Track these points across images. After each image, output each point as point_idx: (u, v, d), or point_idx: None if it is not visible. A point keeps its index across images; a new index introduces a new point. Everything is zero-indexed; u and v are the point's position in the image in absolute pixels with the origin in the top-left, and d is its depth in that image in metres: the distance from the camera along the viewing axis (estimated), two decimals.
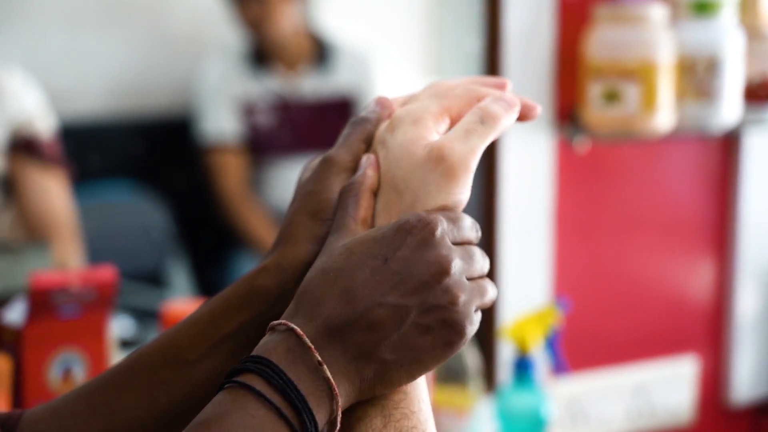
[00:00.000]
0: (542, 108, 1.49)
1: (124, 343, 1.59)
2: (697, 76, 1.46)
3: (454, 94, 0.73)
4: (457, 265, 0.64)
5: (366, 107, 0.76)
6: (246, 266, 2.63)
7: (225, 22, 2.73)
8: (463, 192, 0.69)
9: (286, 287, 0.70)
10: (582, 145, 1.54)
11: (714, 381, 1.76)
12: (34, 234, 1.90)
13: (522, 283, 1.55)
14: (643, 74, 1.41)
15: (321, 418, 0.61)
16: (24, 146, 1.87)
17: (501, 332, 1.45)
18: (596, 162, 1.58)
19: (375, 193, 0.71)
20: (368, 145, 0.74)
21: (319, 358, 0.61)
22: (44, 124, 1.90)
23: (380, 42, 2.92)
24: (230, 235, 2.68)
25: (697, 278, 1.72)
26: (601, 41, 1.43)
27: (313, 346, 0.61)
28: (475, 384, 1.46)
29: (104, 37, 2.79)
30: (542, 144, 1.52)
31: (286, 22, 2.64)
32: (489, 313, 1.54)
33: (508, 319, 1.52)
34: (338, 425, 0.61)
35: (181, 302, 1.39)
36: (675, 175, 1.67)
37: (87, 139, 2.66)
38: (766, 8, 1.55)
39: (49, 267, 1.61)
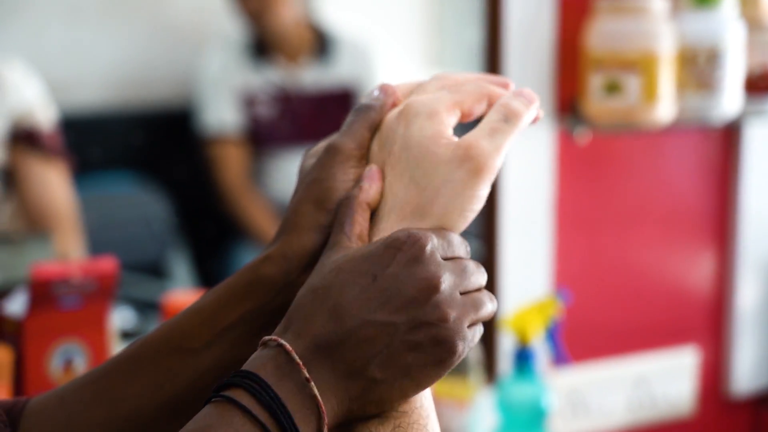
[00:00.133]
0: (543, 100, 1.50)
1: (125, 335, 1.59)
2: (698, 68, 1.45)
3: (465, 89, 0.72)
4: (447, 281, 0.64)
5: (369, 94, 0.76)
6: (247, 257, 2.63)
7: (226, 13, 2.73)
8: (487, 189, 0.68)
9: (291, 276, 0.70)
10: (583, 136, 1.54)
11: (714, 372, 1.76)
12: (35, 225, 1.90)
13: (522, 274, 1.55)
14: (643, 66, 1.41)
15: None
16: (25, 138, 1.87)
17: (501, 323, 1.46)
18: (597, 153, 1.58)
19: (372, 209, 0.71)
20: (373, 132, 0.74)
21: (307, 375, 0.60)
22: (45, 116, 1.90)
23: (381, 34, 2.92)
24: (231, 227, 2.69)
25: (697, 269, 1.72)
26: (602, 32, 1.43)
27: (301, 363, 0.61)
28: (476, 375, 1.47)
29: (105, 28, 2.79)
30: (543, 135, 1.52)
31: (286, 14, 2.64)
32: None
33: (508, 310, 1.52)
34: None
35: (182, 293, 1.39)
36: (676, 167, 1.67)
37: (88, 131, 2.66)
38: (767, 0, 1.55)
39: (50, 258, 1.61)
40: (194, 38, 2.86)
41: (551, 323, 1.44)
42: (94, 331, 1.23)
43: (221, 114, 2.65)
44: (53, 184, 1.91)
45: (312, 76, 2.70)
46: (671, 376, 1.70)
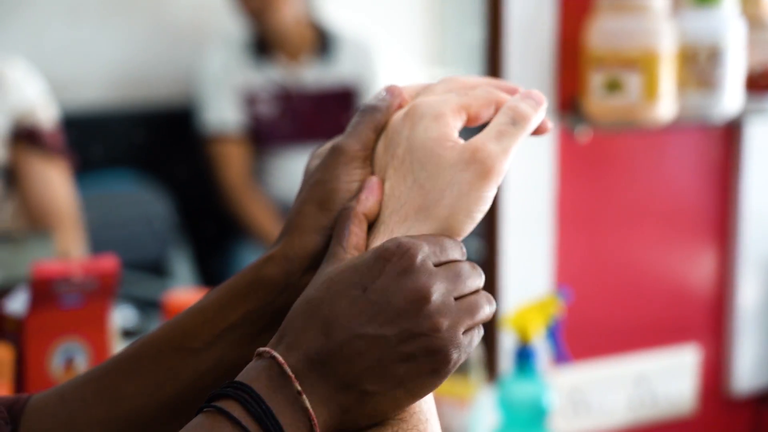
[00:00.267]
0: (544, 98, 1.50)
1: (126, 333, 1.59)
2: (699, 66, 1.45)
3: (474, 93, 0.72)
4: (439, 290, 0.63)
5: (376, 95, 0.75)
6: (248, 256, 2.63)
7: (227, 12, 2.73)
8: (493, 191, 0.68)
9: (292, 277, 0.70)
10: (583, 134, 1.54)
11: (715, 371, 1.76)
12: (36, 224, 1.90)
13: (523, 272, 1.55)
14: (644, 64, 1.41)
15: None
16: (26, 136, 1.87)
17: (502, 322, 1.46)
18: (598, 151, 1.58)
19: (370, 221, 0.70)
20: (378, 134, 0.73)
21: (299, 388, 0.60)
22: (46, 114, 1.90)
23: (382, 32, 2.92)
24: (232, 225, 2.69)
25: (698, 268, 1.72)
26: (603, 31, 1.43)
27: (293, 376, 0.61)
28: (477, 373, 1.47)
29: (106, 27, 2.79)
30: None
31: (287, 12, 2.64)
32: None
33: (509, 308, 1.52)
34: None
35: (184, 292, 1.39)
36: (676, 165, 1.67)
37: (89, 129, 2.66)
38: None
39: (51, 257, 1.61)
40: (195, 37, 2.86)
41: (552, 322, 1.44)
42: (95, 330, 1.23)
43: (222, 113, 2.66)
44: (54, 182, 1.91)
45: (313, 75, 2.70)
46: (672, 374, 1.70)
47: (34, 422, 0.70)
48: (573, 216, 1.58)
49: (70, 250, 1.91)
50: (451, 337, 0.62)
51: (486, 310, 0.66)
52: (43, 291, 1.18)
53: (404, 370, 0.62)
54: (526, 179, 1.52)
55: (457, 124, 0.70)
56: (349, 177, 0.72)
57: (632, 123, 1.45)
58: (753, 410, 1.81)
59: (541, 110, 0.71)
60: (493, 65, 1.50)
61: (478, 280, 0.66)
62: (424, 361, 0.62)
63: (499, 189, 0.68)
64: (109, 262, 1.23)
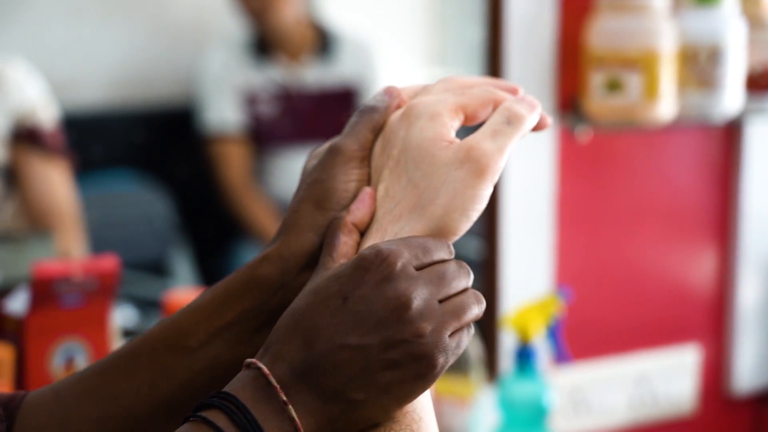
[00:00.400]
0: (544, 98, 1.50)
1: (127, 333, 1.59)
2: (699, 66, 1.45)
3: (471, 93, 0.71)
4: (420, 295, 0.62)
5: (374, 96, 0.75)
6: (248, 256, 2.63)
7: (227, 12, 2.73)
8: (489, 190, 0.67)
9: (288, 277, 0.70)
10: (584, 134, 1.54)
11: (716, 370, 1.76)
12: (36, 224, 1.91)
13: (524, 272, 1.56)
14: (644, 63, 1.41)
15: None
16: (27, 136, 1.87)
17: (503, 321, 1.46)
18: (598, 151, 1.58)
19: (361, 231, 0.70)
20: (376, 134, 0.73)
21: (285, 398, 0.60)
22: (47, 114, 1.90)
23: (383, 32, 2.92)
24: (233, 225, 2.69)
25: (699, 267, 1.72)
26: (603, 30, 1.43)
27: (279, 386, 0.61)
28: (477, 373, 1.47)
29: (106, 27, 2.80)
30: (544, 133, 1.51)
31: (288, 12, 2.64)
32: (491, 303, 1.54)
33: (509, 308, 1.52)
34: None
35: (184, 292, 1.39)
36: (677, 165, 1.67)
37: (89, 129, 2.66)
38: None
39: (51, 257, 1.61)
40: (196, 37, 2.86)
41: (552, 321, 1.44)
42: (95, 330, 1.23)
43: (223, 112, 2.66)
44: (55, 182, 1.92)
45: (314, 75, 2.70)
46: (672, 374, 1.70)
47: (29, 419, 0.70)
48: (573, 216, 1.58)
49: (70, 250, 1.91)
50: (435, 341, 0.62)
51: (474, 310, 0.65)
52: (44, 291, 1.18)
53: (390, 377, 0.61)
54: (526, 179, 1.52)
55: (453, 123, 0.70)
56: (346, 177, 0.72)
57: (632, 123, 1.45)
58: (753, 410, 1.81)
59: (535, 113, 0.70)
60: (494, 65, 1.50)
61: (465, 279, 0.66)
62: (409, 367, 0.61)
63: (499, 189, 0.69)
64: (109, 262, 1.23)
